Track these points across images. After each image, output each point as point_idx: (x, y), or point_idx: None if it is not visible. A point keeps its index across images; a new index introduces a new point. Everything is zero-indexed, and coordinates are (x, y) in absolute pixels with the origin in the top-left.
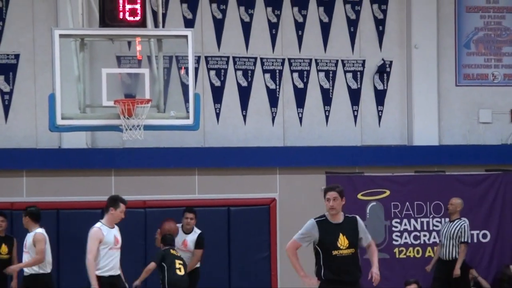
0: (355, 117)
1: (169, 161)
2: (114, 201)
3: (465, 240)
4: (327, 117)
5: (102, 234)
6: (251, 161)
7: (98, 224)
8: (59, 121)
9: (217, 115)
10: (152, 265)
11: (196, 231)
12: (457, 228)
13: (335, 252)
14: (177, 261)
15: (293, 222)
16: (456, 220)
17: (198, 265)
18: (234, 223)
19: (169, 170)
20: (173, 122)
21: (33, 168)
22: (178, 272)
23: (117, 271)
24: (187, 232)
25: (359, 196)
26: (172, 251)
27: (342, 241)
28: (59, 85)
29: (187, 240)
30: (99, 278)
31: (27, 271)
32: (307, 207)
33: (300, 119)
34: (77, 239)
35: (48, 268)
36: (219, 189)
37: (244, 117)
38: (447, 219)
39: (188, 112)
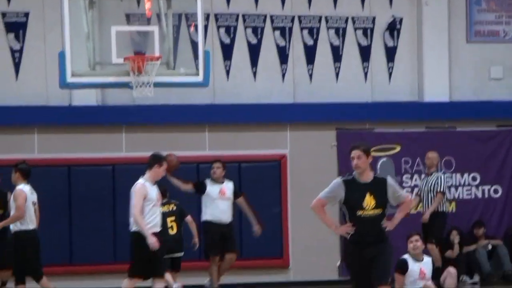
0: (365, 74)
1: (179, 117)
2: (159, 158)
3: (441, 190)
4: (337, 74)
5: (146, 190)
6: (261, 117)
7: (141, 180)
8: (69, 79)
9: (227, 72)
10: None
11: (229, 181)
12: (434, 180)
13: (360, 212)
14: (169, 219)
15: (304, 178)
16: (434, 173)
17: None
18: (245, 179)
19: (179, 126)
20: (183, 79)
21: (44, 125)
22: (170, 231)
23: (159, 228)
24: (218, 181)
25: None
26: (163, 207)
27: (369, 201)
28: (68, 42)
29: (224, 188)
30: (140, 234)
31: (12, 228)
32: (317, 163)
33: (310, 76)
34: (88, 196)
35: (30, 225)
36: (229, 145)
37: (254, 74)
38: (458, 174)
39: (198, 69)
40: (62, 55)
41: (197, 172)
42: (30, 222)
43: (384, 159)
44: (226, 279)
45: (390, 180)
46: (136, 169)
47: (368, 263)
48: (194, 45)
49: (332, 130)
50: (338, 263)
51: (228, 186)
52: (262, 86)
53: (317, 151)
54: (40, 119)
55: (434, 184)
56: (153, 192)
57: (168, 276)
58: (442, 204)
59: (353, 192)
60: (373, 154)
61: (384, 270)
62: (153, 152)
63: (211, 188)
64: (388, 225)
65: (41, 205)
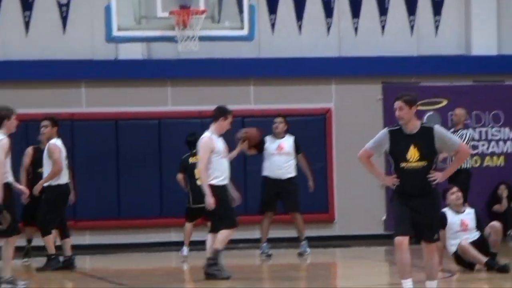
0: (412, 27)
1: (225, 71)
2: (224, 111)
3: None
4: (383, 27)
5: (213, 143)
6: (306, 71)
7: (207, 133)
8: (115, 32)
9: (272, 25)
10: (179, 176)
11: (290, 136)
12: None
13: (403, 164)
14: (196, 170)
15: (349, 132)
16: (460, 130)
17: (294, 173)
18: (290, 133)
19: (224, 80)
20: (228, 32)
21: (91, 79)
22: (198, 182)
23: (228, 180)
24: (279, 136)
25: None
26: (191, 158)
27: (413, 153)
28: None
29: (283, 143)
30: (214, 187)
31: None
32: (362, 117)
33: (356, 29)
34: (134, 150)
35: (64, 179)
36: (274, 99)
37: (299, 27)
38: (506, 128)
39: (243, 22)
40: (108, 9)
41: (242, 125)
42: (64, 176)
43: (431, 113)
44: (272, 233)
45: (438, 128)
46: (181, 123)
47: (412, 215)
48: None
49: (378, 84)
50: (383, 217)
51: (288, 141)
52: (307, 40)
53: (362, 105)
54: (87, 73)
55: None
56: (220, 144)
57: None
58: (466, 161)
59: (398, 143)
60: (419, 108)
61: (429, 227)
62: (218, 105)
63: (270, 144)
64: (438, 177)
65: (89, 159)
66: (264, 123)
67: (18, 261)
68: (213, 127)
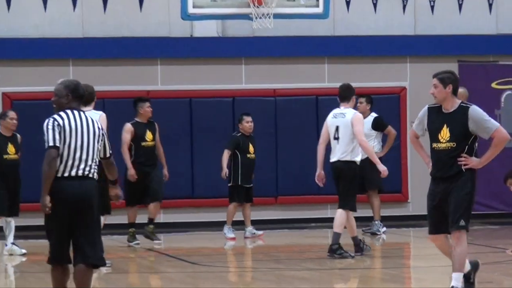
0: (490, 5)
1: (299, 49)
2: (354, 89)
3: None
4: (460, 5)
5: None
6: (381, 49)
7: (352, 110)
8: (191, 10)
9: (347, 3)
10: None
11: (372, 115)
12: None
13: (434, 145)
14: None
15: None
16: None
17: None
18: None
19: (298, 58)
20: (303, 10)
21: (167, 56)
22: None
23: None
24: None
25: (493, 85)
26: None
27: (444, 133)
28: None
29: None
30: (357, 164)
31: None
32: None
33: (432, 7)
34: (209, 127)
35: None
36: (348, 77)
37: (375, 5)
38: None
39: (318, 0)
40: None
41: (316, 104)
42: None
43: (509, 92)
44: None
45: (474, 109)
46: (255, 101)
47: (440, 201)
48: None
49: (454, 63)
50: None
51: (368, 122)
52: (382, 18)
53: None
54: (163, 50)
55: None
56: None
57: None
58: None
59: (434, 121)
60: (497, 87)
61: (454, 212)
62: (344, 83)
63: None
64: (472, 163)
65: (163, 137)
66: (337, 102)
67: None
68: (350, 104)
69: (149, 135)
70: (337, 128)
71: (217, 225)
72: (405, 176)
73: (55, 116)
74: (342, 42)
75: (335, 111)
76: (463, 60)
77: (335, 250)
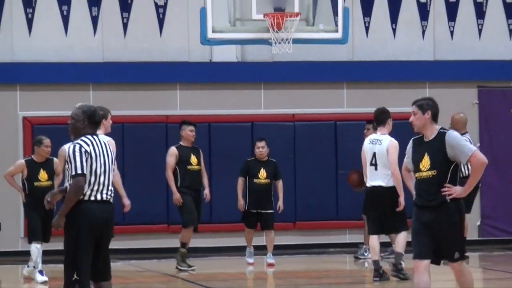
0: (510, 31)
1: (318, 74)
2: (389, 113)
3: None
4: (479, 31)
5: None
6: (400, 75)
7: (387, 136)
8: (210, 35)
9: (366, 28)
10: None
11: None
12: None
13: (416, 175)
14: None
15: None
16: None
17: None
18: None
19: (317, 83)
20: (322, 35)
21: (186, 81)
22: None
23: None
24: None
25: None
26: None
27: (425, 161)
28: None
29: None
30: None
31: None
32: None
33: (452, 32)
34: (227, 152)
35: None
36: (367, 103)
37: (394, 30)
38: None
39: (337, 25)
40: (203, 11)
41: (334, 130)
42: None
43: None
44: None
45: (450, 134)
46: (274, 126)
47: (428, 232)
48: (334, 1)
49: (473, 88)
50: (478, 222)
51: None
52: (401, 43)
53: (457, 109)
54: (182, 75)
55: None
56: None
57: None
58: None
59: (417, 152)
60: None
61: (446, 245)
62: (379, 107)
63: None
64: (453, 192)
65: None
66: (356, 127)
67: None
68: (386, 129)
69: (193, 159)
70: (374, 154)
71: (236, 250)
72: None
73: (80, 142)
74: (361, 67)
75: (372, 136)
76: (482, 86)
77: (400, 270)
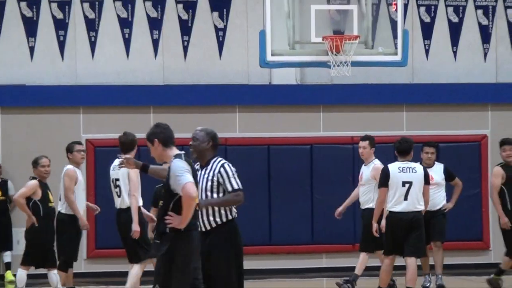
0: None
1: (377, 97)
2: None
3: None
4: None
5: None
6: (461, 97)
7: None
8: (269, 57)
9: (426, 51)
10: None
11: (440, 164)
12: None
13: None
14: None
15: None
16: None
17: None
18: (443, 159)
19: (377, 106)
20: (381, 58)
21: (245, 104)
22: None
23: None
24: (429, 166)
25: None
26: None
27: None
28: (269, 21)
29: (431, 174)
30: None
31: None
32: None
33: None
34: (286, 174)
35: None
36: (428, 125)
37: (455, 53)
38: None
39: (396, 48)
40: (262, 34)
41: (393, 152)
42: None
43: None
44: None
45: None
46: (333, 148)
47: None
48: (393, 24)
49: None
50: None
51: (438, 172)
52: (462, 66)
53: None
54: (241, 98)
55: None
56: None
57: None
58: None
59: None
60: None
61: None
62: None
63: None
64: (173, 221)
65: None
66: (414, 149)
67: None
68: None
69: None
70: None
71: (295, 272)
72: (486, 223)
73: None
74: (421, 89)
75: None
76: None
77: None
